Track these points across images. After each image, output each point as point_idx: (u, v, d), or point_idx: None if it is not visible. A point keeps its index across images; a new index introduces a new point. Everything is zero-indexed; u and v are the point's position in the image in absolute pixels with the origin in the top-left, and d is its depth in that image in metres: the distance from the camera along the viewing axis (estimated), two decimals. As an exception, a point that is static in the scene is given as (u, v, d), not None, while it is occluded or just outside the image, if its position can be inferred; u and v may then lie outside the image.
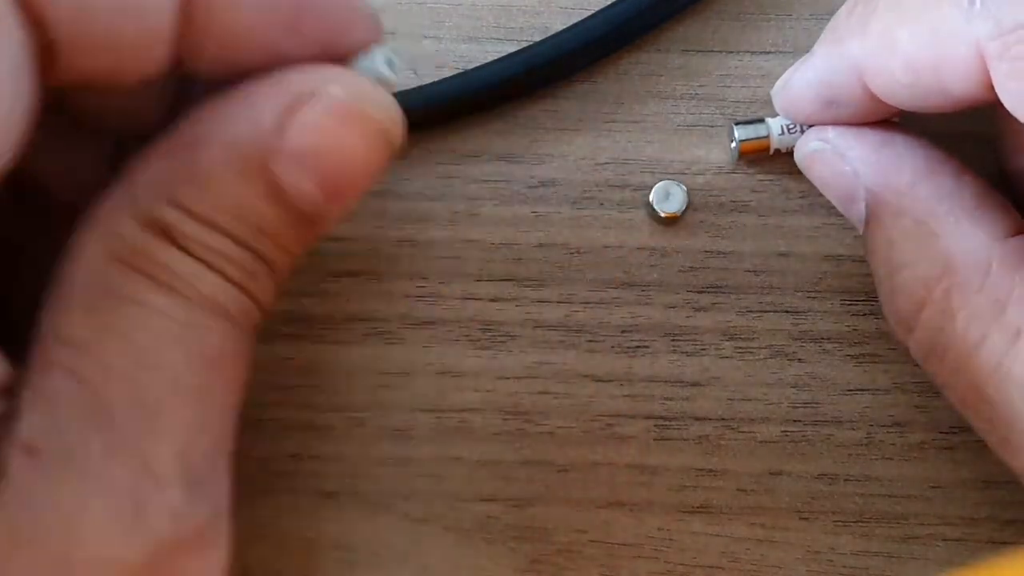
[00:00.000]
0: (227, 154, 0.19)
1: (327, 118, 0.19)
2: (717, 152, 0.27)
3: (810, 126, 0.25)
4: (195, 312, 0.18)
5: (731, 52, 0.27)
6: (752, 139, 0.26)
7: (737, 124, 0.26)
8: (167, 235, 0.18)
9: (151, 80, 0.19)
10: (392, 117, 0.20)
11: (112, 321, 0.18)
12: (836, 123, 0.24)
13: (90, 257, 0.19)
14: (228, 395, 0.19)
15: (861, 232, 0.24)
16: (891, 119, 0.24)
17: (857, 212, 0.24)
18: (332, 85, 0.19)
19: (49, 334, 0.18)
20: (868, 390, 0.25)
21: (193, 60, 0.19)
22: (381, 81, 0.20)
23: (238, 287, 0.19)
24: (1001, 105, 0.20)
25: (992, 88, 0.20)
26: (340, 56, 0.20)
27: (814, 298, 0.26)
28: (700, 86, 0.27)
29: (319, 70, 0.19)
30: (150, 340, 0.18)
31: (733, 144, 0.26)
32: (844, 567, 0.24)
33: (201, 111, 0.19)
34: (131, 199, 0.19)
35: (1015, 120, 0.20)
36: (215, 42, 0.19)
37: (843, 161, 0.24)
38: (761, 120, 0.26)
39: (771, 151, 0.26)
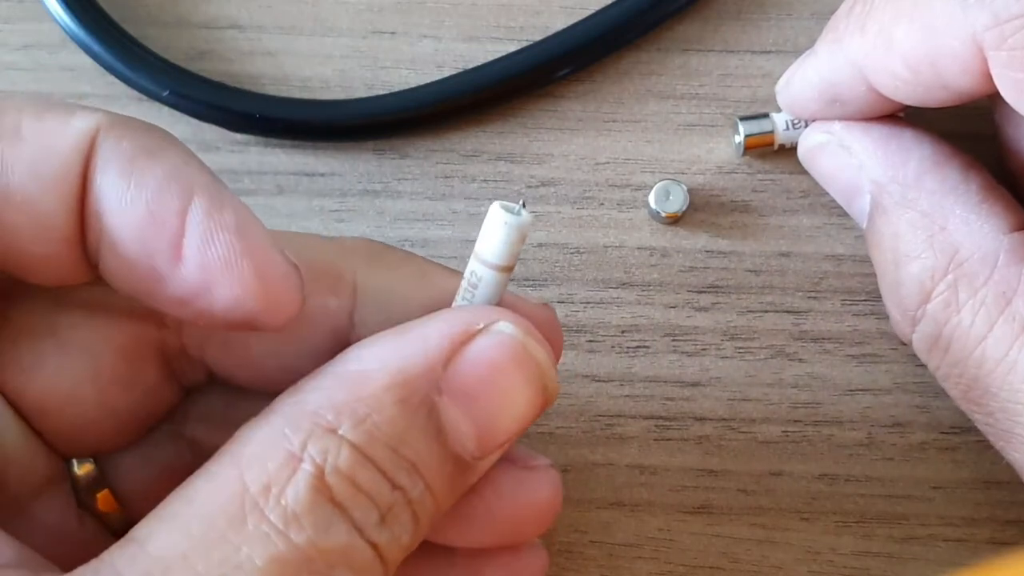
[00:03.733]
0: (392, 381, 0.17)
1: (497, 353, 0.18)
2: (718, 151, 0.27)
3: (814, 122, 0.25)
4: (288, 570, 0.16)
5: (731, 51, 0.27)
6: (757, 134, 0.26)
7: (742, 119, 0.26)
8: (314, 473, 0.17)
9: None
10: (550, 363, 0.19)
11: (197, 548, 0.16)
12: (840, 120, 0.24)
13: (216, 480, 0.17)
14: None
15: (863, 227, 0.24)
16: (896, 114, 0.24)
17: (860, 206, 0.24)
18: (503, 322, 0.18)
19: (127, 537, 0.17)
20: (869, 390, 0.25)
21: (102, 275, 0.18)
22: (519, 226, 0.18)
23: (368, 539, 0.17)
24: (1000, 98, 0.20)
25: (990, 79, 0.20)
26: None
27: (815, 298, 0.26)
28: (700, 85, 0.27)
29: (490, 308, 0.19)
30: None
31: (738, 139, 0.26)
32: (845, 567, 0.24)
33: (363, 343, 0.18)
34: (282, 427, 0.17)
35: (1014, 113, 0.20)
36: (108, 249, 0.18)
37: (848, 154, 0.24)
38: (766, 115, 0.26)
39: (775, 146, 0.26)
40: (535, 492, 0.20)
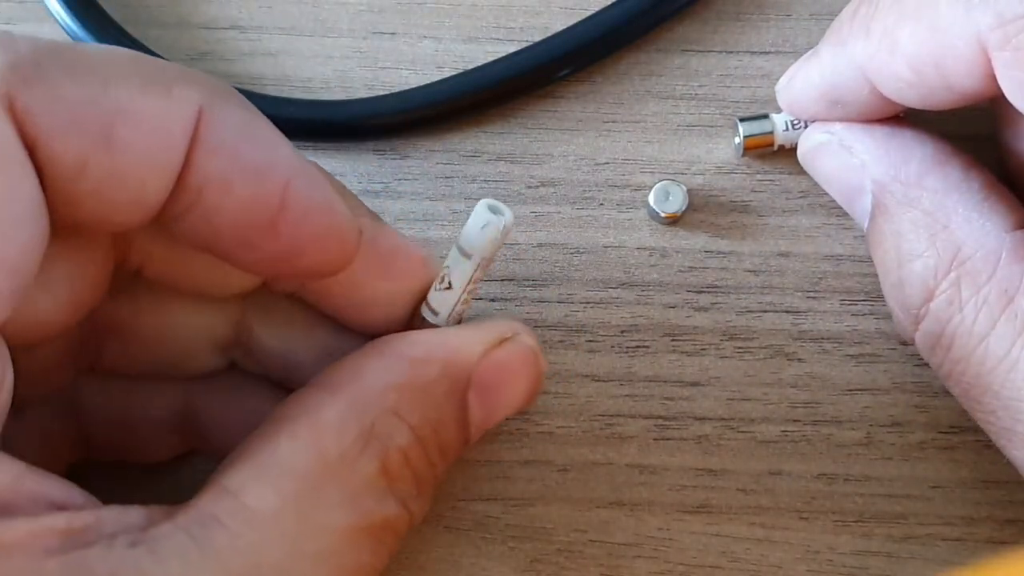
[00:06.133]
0: (443, 373, 0.21)
1: (517, 358, 0.22)
2: (717, 152, 0.27)
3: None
4: (359, 536, 0.19)
5: (731, 52, 0.27)
6: (756, 135, 0.26)
7: (741, 120, 0.26)
8: (381, 450, 0.19)
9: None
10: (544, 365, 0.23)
11: (289, 506, 0.18)
12: (841, 121, 0.24)
13: (298, 443, 0.19)
14: None
15: (864, 226, 0.24)
16: (897, 115, 0.24)
17: (862, 205, 0.24)
18: (525, 335, 0.22)
19: (217, 485, 0.19)
20: (868, 390, 0.25)
21: (179, 223, 0.19)
22: (503, 231, 0.20)
23: (408, 511, 0.20)
24: (1002, 100, 0.20)
25: (994, 80, 0.20)
26: (315, 264, 0.20)
27: (814, 298, 0.26)
28: (700, 86, 0.27)
29: (515, 323, 0.22)
30: (306, 544, 0.18)
31: (737, 140, 0.26)
32: (844, 567, 0.24)
33: (418, 333, 0.21)
34: (354, 401, 0.20)
35: (1015, 114, 0.20)
36: (198, 218, 0.19)
37: (850, 153, 0.24)
38: (765, 116, 0.26)
39: (775, 147, 0.26)
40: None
